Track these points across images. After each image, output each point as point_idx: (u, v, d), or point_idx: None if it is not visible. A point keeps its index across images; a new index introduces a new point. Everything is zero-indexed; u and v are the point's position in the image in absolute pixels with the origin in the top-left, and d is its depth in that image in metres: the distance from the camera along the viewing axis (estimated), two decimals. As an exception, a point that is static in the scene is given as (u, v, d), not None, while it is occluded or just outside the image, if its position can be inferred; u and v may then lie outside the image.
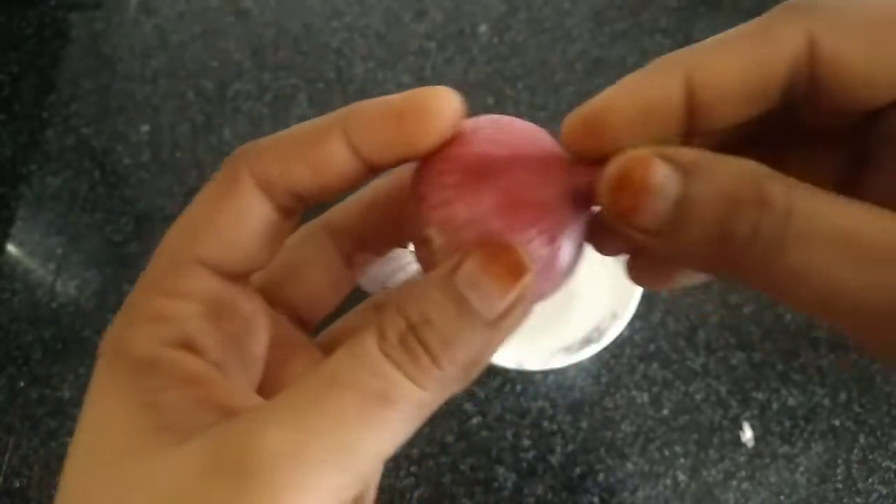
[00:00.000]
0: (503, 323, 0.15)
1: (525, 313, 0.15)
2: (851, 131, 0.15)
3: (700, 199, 0.14)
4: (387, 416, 0.14)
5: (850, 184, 0.16)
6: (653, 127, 0.15)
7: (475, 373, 0.15)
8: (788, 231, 0.13)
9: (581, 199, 0.16)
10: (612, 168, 0.14)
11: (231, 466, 0.13)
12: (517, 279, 0.15)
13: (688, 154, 0.14)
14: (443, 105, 0.17)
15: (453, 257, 0.15)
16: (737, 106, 0.15)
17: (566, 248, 0.17)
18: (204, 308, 0.17)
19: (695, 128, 0.15)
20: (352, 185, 0.18)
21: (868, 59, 0.14)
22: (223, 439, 0.14)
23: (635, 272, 0.19)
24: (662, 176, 0.14)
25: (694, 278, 0.18)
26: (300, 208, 0.18)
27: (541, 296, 0.17)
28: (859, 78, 0.14)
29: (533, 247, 0.16)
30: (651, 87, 0.15)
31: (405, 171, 0.19)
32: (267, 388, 0.19)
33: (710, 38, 0.15)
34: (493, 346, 0.15)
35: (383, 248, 0.22)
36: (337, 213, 0.21)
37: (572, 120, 0.16)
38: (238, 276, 0.18)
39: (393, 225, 0.20)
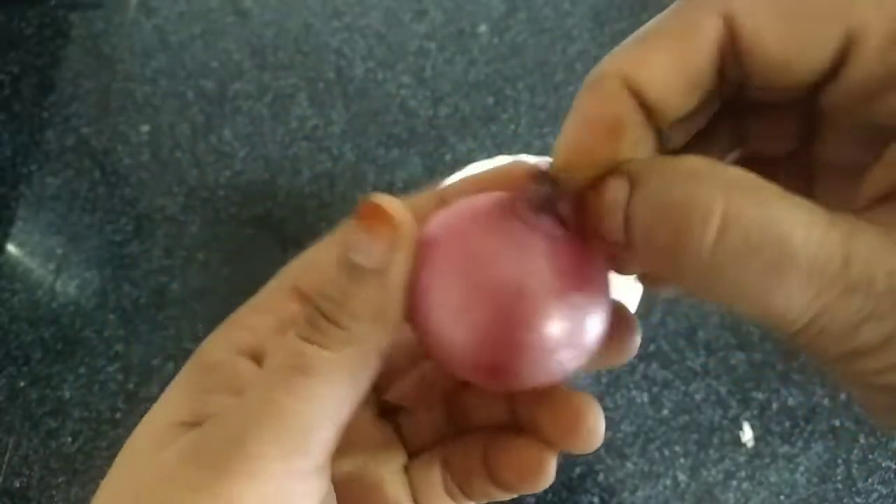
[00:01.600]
0: (391, 268, 0.16)
1: (410, 250, 0.16)
2: (797, 105, 0.15)
3: (637, 217, 0.14)
4: (307, 384, 0.15)
5: (802, 153, 0.17)
6: (624, 140, 0.15)
7: (391, 322, 0.16)
8: (717, 255, 0.13)
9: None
10: (579, 191, 0.15)
11: (200, 462, 0.15)
12: (387, 224, 0.16)
13: (637, 164, 0.14)
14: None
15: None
16: (683, 96, 0.15)
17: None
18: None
19: (659, 125, 0.15)
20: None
21: (782, 38, 0.14)
22: (201, 437, 0.16)
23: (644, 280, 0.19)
24: (614, 190, 0.14)
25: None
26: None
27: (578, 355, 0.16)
28: (777, 58, 0.14)
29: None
30: (605, 106, 0.15)
31: None
32: None
33: (634, 36, 0.15)
34: (392, 290, 0.16)
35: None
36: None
37: (557, 164, 0.16)
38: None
39: None
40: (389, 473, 0.20)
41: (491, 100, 0.56)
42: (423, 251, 0.16)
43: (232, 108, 0.56)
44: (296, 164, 0.54)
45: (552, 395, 0.18)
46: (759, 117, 0.17)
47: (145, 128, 0.56)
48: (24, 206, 0.54)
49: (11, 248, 0.52)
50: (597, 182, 0.15)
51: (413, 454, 0.21)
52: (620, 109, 0.15)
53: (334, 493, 0.18)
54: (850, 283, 0.12)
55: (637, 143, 0.15)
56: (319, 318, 0.16)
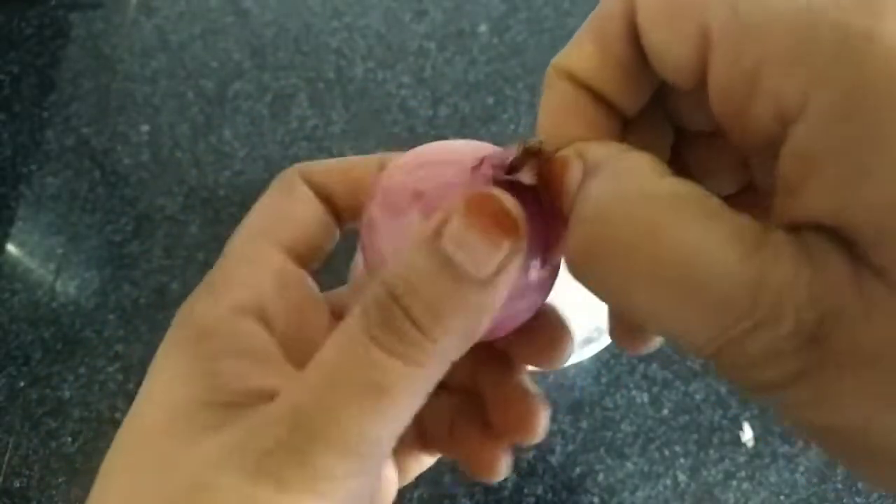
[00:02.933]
0: (497, 281, 0.14)
1: (518, 268, 0.14)
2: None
3: (578, 200, 0.14)
4: (384, 404, 0.14)
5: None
6: (585, 126, 0.15)
7: (476, 337, 0.15)
8: (632, 261, 0.12)
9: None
10: (545, 174, 0.15)
11: (247, 468, 0.13)
12: (507, 231, 0.14)
13: (597, 150, 0.14)
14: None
15: (436, 216, 0.14)
16: (613, 77, 0.15)
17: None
18: (277, 281, 0.17)
19: (620, 110, 0.16)
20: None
21: (655, 24, 0.13)
22: (251, 439, 0.14)
23: (616, 337, 0.19)
24: (573, 173, 0.14)
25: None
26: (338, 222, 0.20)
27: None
28: (654, 46, 0.14)
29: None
30: (554, 99, 0.16)
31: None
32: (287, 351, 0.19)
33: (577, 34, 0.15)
34: (489, 308, 0.14)
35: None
36: (314, 174, 0.20)
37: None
38: (304, 261, 0.19)
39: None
40: None
41: (491, 100, 0.56)
42: (384, 193, 0.16)
43: (232, 108, 0.56)
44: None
45: (505, 393, 0.18)
46: (683, 101, 0.16)
47: (145, 128, 0.56)
48: (24, 206, 0.54)
49: (11, 248, 0.52)
50: (553, 165, 0.15)
51: None
52: (565, 96, 0.15)
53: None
54: (757, 321, 0.11)
55: (595, 125, 0.15)
56: (405, 321, 0.14)
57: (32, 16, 0.61)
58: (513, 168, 0.15)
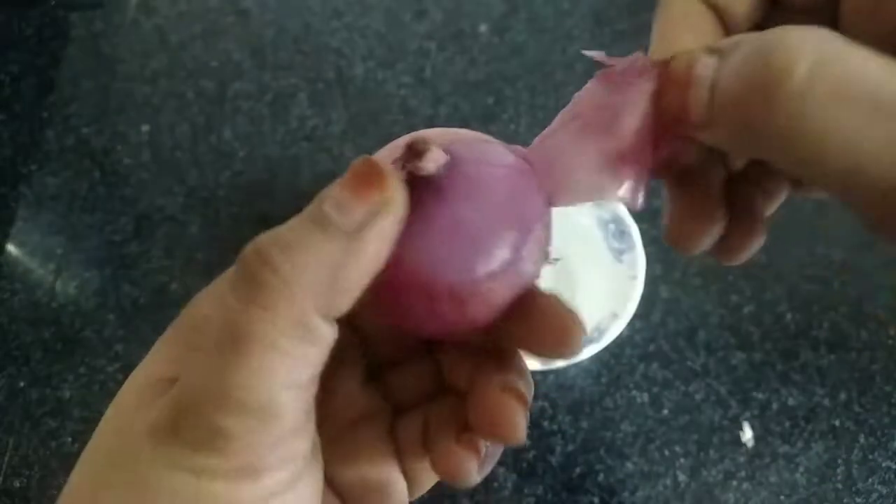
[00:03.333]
0: (364, 235, 0.14)
1: (389, 229, 0.15)
2: None
3: (722, 81, 0.14)
4: (244, 352, 0.14)
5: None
6: (694, 37, 0.16)
7: (341, 291, 0.14)
8: (807, 99, 0.13)
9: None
10: (665, 72, 0.16)
11: (170, 434, 0.14)
12: (374, 185, 0.15)
13: (727, 40, 0.15)
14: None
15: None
16: None
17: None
18: None
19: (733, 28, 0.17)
20: None
21: None
22: (171, 405, 0.15)
23: (673, 228, 0.19)
24: (704, 66, 0.15)
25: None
26: None
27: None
28: None
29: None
30: (679, 12, 0.17)
31: None
32: None
33: None
34: (356, 259, 0.14)
35: None
36: None
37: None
38: None
39: None
40: (373, 437, 0.19)
41: (491, 100, 0.56)
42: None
43: (232, 108, 0.56)
44: (296, 164, 0.54)
45: (533, 307, 0.17)
46: None
47: (145, 128, 0.56)
48: (24, 206, 0.54)
49: (11, 248, 0.52)
50: (677, 62, 0.15)
51: (401, 411, 0.20)
52: (680, 10, 0.16)
53: (319, 446, 0.18)
54: None
55: (711, 36, 0.16)
56: (261, 266, 0.14)
57: (32, 16, 0.61)
58: (413, 156, 0.16)
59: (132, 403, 0.16)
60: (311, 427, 0.16)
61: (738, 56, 0.14)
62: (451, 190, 0.17)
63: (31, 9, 0.62)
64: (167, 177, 0.54)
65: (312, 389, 0.15)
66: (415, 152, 0.16)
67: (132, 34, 0.60)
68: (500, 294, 0.17)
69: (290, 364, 0.14)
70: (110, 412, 0.17)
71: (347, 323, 0.18)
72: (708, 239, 0.19)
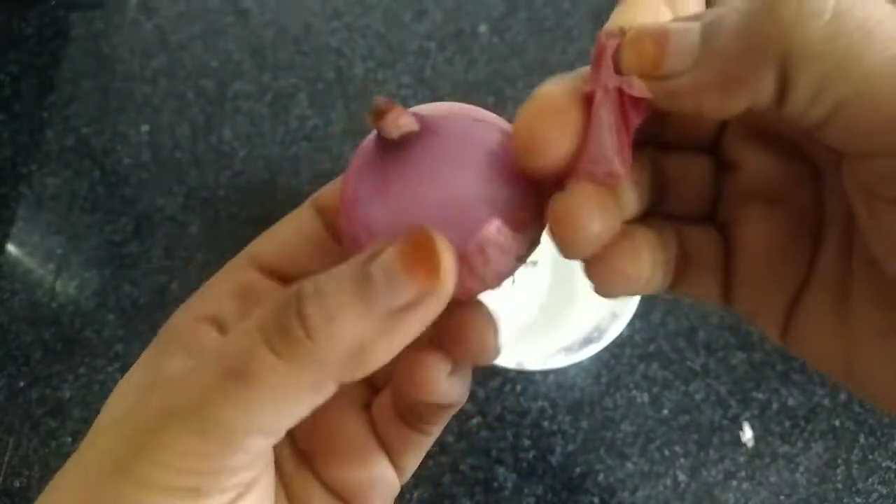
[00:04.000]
0: (404, 316, 0.14)
1: (430, 317, 0.14)
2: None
3: (725, 19, 0.13)
4: (245, 391, 0.14)
5: None
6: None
7: (365, 365, 0.14)
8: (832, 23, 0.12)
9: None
10: (634, 28, 0.15)
11: (118, 458, 0.15)
12: (432, 271, 0.14)
13: (703, 10, 0.15)
14: None
15: (376, 244, 0.14)
16: None
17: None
18: (236, 291, 0.19)
19: None
20: None
21: None
22: (127, 418, 0.16)
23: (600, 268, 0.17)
24: (682, 22, 0.14)
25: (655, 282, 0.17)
26: None
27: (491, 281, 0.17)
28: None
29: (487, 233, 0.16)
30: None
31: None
32: None
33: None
34: (388, 340, 0.14)
35: None
36: (265, 247, 0.20)
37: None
38: (281, 277, 0.19)
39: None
40: (349, 415, 0.19)
41: (491, 100, 0.56)
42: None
43: (232, 108, 0.56)
44: (296, 164, 0.54)
45: (449, 309, 0.16)
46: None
47: (145, 128, 0.56)
48: (24, 206, 0.54)
49: (11, 248, 0.52)
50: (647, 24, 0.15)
51: (379, 388, 0.20)
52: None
53: (272, 475, 0.17)
54: None
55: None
56: (294, 319, 0.14)
57: (32, 16, 0.61)
58: (377, 116, 0.16)
59: (108, 414, 0.17)
60: (267, 458, 0.16)
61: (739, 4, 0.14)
62: (413, 164, 0.16)
63: (31, 9, 0.62)
64: (167, 177, 0.54)
65: (279, 437, 0.15)
66: (378, 112, 0.16)
67: (132, 34, 0.60)
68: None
69: (280, 414, 0.14)
70: (90, 432, 0.17)
71: None
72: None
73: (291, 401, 0.14)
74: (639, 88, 0.15)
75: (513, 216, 0.16)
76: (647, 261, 0.16)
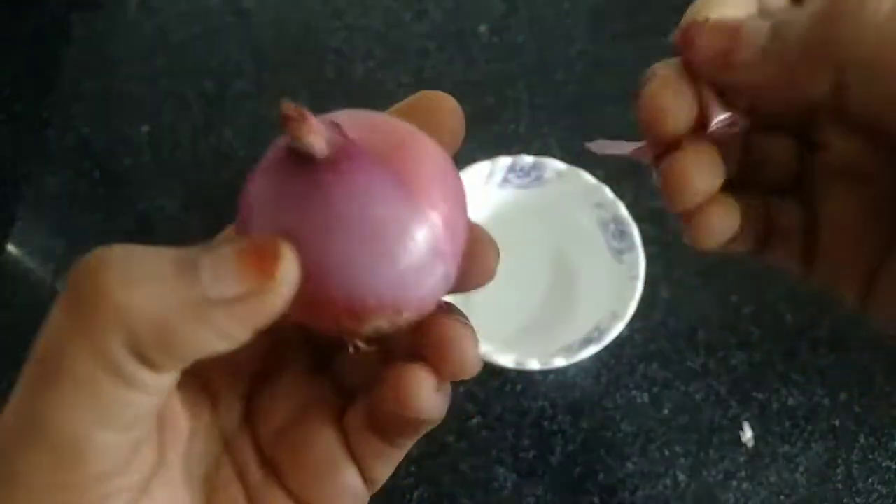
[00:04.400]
0: (219, 310, 0.13)
1: (251, 321, 0.14)
2: None
3: (793, 16, 0.16)
4: (59, 392, 0.13)
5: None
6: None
7: (165, 346, 0.13)
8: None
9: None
10: (711, 21, 0.17)
11: None
12: (263, 277, 0.14)
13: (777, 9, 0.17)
14: None
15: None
16: None
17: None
18: None
19: None
20: None
21: None
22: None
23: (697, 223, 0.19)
24: (753, 19, 0.17)
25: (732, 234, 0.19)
26: None
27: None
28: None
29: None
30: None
31: None
32: None
33: None
34: (195, 327, 0.13)
35: None
36: None
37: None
38: None
39: None
40: (320, 426, 0.18)
41: (491, 100, 0.56)
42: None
43: (232, 108, 0.56)
44: (296, 164, 0.54)
45: (428, 324, 0.16)
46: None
47: (145, 128, 0.56)
48: (24, 206, 0.54)
49: (11, 248, 0.52)
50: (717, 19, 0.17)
51: (350, 399, 0.19)
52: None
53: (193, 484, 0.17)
54: None
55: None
56: (92, 287, 0.13)
57: (33, 16, 0.61)
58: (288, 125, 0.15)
59: None
60: (145, 460, 0.15)
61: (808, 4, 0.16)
62: (336, 182, 0.15)
63: (31, 9, 0.62)
64: (167, 177, 0.54)
65: (144, 427, 0.15)
66: (287, 120, 0.15)
67: (132, 34, 0.60)
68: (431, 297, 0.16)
69: (103, 404, 0.13)
70: None
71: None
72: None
73: (103, 387, 0.13)
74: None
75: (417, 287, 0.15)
76: (735, 221, 0.19)
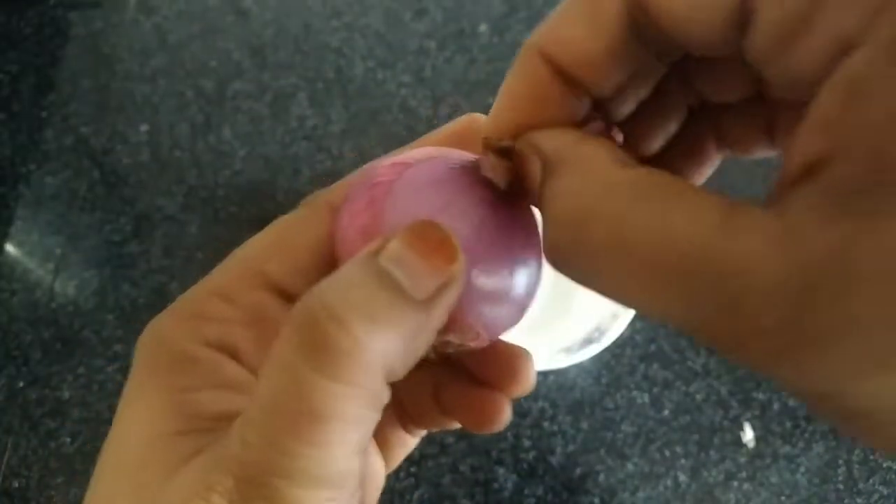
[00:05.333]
0: (435, 304, 0.14)
1: (454, 300, 0.14)
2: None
3: (543, 195, 0.14)
4: (323, 430, 0.13)
5: (756, 99, 0.16)
6: (549, 112, 0.15)
7: (414, 359, 0.14)
8: (603, 246, 0.12)
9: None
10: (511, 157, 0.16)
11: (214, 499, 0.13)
12: (447, 258, 0.14)
13: (550, 142, 0.14)
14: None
15: (375, 240, 0.14)
16: (600, 63, 0.14)
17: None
18: (249, 317, 0.17)
19: (593, 93, 0.15)
20: None
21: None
22: (211, 470, 0.14)
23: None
24: (534, 167, 0.14)
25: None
26: None
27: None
28: (678, 14, 0.13)
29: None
30: (522, 80, 0.15)
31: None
32: None
33: (555, 10, 0.15)
34: (426, 330, 0.14)
35: None
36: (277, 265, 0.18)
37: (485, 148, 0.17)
38: (293, 295, 0.18)
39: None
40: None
41: (491, 99, 0.56)
42: (369, 198, 0.16)
43: (231, 108, 0.56)
44: (296, 164, 0.54)
45: (497, 349, 0.18)
46: (705, 71, 0.16)
47: (144, 127, 0.56)
48: (23, 205, 0.53)
49: (10, 247, 0.52)
50: (520, 152, 0.15)
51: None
52: (536, 82, 0.15)
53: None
54: (731, 296, 0.11)
55: (562, 112, 0.15)
56: (339, 333, 0.13)
57: (32, 15, 0.61)
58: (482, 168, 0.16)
59: (142, 459, 0.15)
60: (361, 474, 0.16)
61: (553, 188, 0.14)
62: (509, 212, 0.16)
63: (31, 8, 0.61)
64: (167, 177, 0.54)
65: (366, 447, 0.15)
66: (497, 153, 0.16)
67: (131, 33, 0.60)
68: (508, 321, 0.17)
69: (362, 433, 0.14)
70: (109, 469, 0.15)
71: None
72: None
73: (364, 418, 0.14)
74: None
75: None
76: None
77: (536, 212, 0.15)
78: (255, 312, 0.17)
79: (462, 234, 0.15)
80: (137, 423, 0.16)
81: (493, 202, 0.16)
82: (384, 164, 0.17)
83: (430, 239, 0.14)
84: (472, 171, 0.16)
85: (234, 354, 0.17)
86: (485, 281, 0.15)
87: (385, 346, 0.13)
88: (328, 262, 0.17)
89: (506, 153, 0.15)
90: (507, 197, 0.16)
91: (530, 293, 0.17)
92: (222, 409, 0.16)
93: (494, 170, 0.15)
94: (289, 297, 0.18)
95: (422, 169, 0.16)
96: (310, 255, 0.17)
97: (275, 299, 0.17)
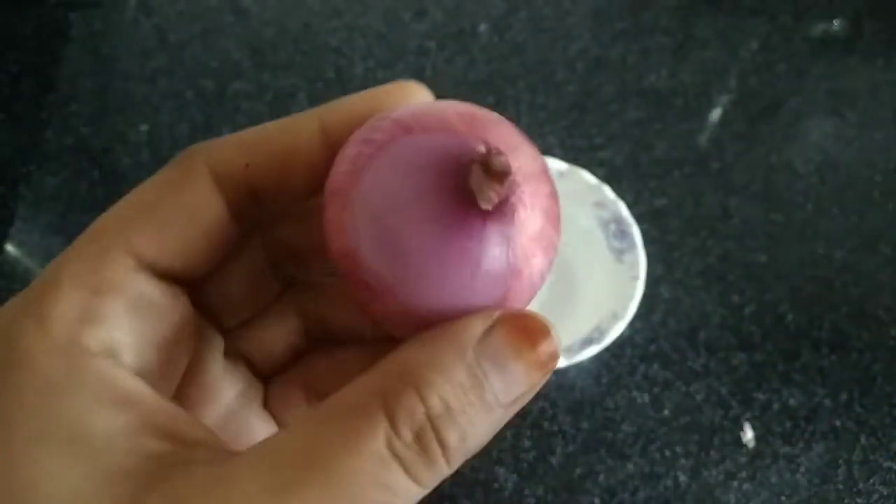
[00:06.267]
0: (514, 407, 0.14)
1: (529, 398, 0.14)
2: None
3: None
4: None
5: None
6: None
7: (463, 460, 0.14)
8: None
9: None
10: None
11: None
12: (545, 364, 0.14)
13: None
14: (415, 96, 0.16)
15: (480, 319, 0.13)
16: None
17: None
18: (131, 308, 0.14)
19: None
20: (315, 183, 0.17)
21: None
22: None
23: None
24: None
25: None
26: (253, 213, 0.17)
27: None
28: None
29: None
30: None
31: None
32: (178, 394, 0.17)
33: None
34: (495, 430, 0.14)
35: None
36: (225, 152, 0.16)
37: None
38: (172, 278, 0.16)
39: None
40: (250, 413, 0.18)
41: (491, 99, 0.56)
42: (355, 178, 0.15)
43: (231, 108, 0.56)
44: (295, 164, 0.54)
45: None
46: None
47: (144, 127, 0.56)
48: (23, 205, 0.53)
49: (10, 247, 0.52)
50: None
51: (270, 376, 0.19)
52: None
53: None
54: None
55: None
56: (434, 443, 0.13)
57: (32, 15, 0.61)
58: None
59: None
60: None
61: None
62: (484, 233, 0.14)
63: (31, 8, 0.61)
64: (166, 177, 0.54)
65: None
66: (496, 174, 0.14)
67: (131, 33, 0.60)
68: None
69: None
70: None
71: (192, 291, 0.16)
72: None
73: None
74: None
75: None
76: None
77: (503, 249, 0.14)
78: (138, 303, 0.14)
79: (411, 245, 0.14)
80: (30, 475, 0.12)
81: (464, 218, 0.14)
82: (391, 118, 0.16)
83: (532, 336, 0.13)
84: (458, 173, 0.14)
85: (115, 355, 0.14)
86: (414, 301, 0.14)
87: (465, 456, 0.14)
88: (207, 228, 0.16)
89: (500, 176, 0.14)
90: (482, 217, 0.14)
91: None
92: (130, 434, 0.13)
93: (480, 189, 0.14)
94: (166, 276, 0.15)
95: (413, 144, 0.15)
96: (188, 229, 0.15)
97: (153, 282, 0.15)
